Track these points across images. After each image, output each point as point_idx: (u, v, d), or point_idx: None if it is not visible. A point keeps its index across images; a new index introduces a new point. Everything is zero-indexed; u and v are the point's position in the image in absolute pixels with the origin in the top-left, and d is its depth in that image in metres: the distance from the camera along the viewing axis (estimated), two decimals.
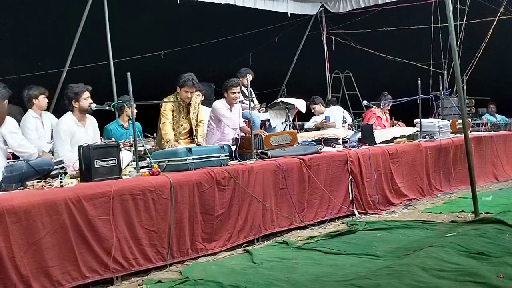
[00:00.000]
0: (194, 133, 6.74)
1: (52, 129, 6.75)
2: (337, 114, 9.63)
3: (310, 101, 9.53)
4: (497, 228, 5.44)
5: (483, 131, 9.94)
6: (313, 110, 9.62)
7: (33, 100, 6.80)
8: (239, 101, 7.04)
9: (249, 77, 7.22)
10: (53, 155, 5.98)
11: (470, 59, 10.60)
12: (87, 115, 5.74)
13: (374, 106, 9.68)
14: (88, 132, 5.71)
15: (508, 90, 11.13)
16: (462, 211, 6.73)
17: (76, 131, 5.59)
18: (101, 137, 6.32)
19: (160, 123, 6.55)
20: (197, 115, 6.81)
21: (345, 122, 9.74)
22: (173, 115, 6.57)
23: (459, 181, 8.44)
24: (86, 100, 5.62)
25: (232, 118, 7.11)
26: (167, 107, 6.55)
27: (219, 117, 7.14)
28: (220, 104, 7.21)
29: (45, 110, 7.12)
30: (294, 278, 4.41)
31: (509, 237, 5.14)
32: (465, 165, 7.38)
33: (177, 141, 6.46)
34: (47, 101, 7.02)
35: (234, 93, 7.11)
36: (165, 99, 6.59)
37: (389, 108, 9.77)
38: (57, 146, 5.59)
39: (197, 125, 6.81)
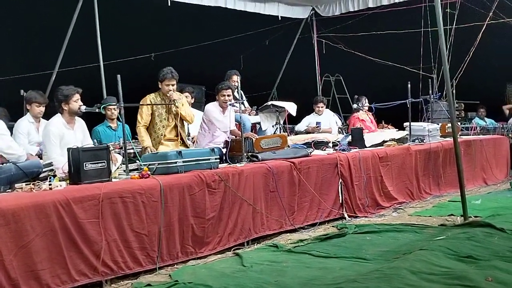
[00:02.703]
0: (183, 133, 6.74)
1: None
2: (328, 118, 9.66)
3: (316, 100, 9.63)
4: (486, 231, 5.47)
5: (473, 135, 10.01)
6: (317, 109, 9.60)
7: (27, 105, 6.58)
8: (230, 104, 7.04)
9: (235, 78, 7.17)
10: (39, 158, 5.92)
11: (460, 63, 10.69)
12: (76, 117, 5.70)
13: (361, 110, 9.69)
14: (76, 134, 5.66)
15: (497, 94, 11.22)
16: (451, 215, 6.77)
17: (65, 134, 5.53)
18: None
19: (136, 127, 6.58)
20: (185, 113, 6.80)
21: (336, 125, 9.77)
22: (154, 114, 6.58)
23: (448, 185, 8.48)
24: (76, 102, 5.57)
25: (224, 121, 7.10)
26: (143, 107, 6.55)
27: (211, 119, 7.12)
28: (212, 107, 7.19)
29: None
30: (284, 282, 4.41)
31: (497, 241, 5.17)
32: (454, 169, 7.40)
33: (159, 142, 6.52)
34: (41, 111, 6.54)
35: (224, 95, 7.10)
36: (144, 98, 6.58)
37: (367, 107, 9.79)
38: (47, 149, 5.53)
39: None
